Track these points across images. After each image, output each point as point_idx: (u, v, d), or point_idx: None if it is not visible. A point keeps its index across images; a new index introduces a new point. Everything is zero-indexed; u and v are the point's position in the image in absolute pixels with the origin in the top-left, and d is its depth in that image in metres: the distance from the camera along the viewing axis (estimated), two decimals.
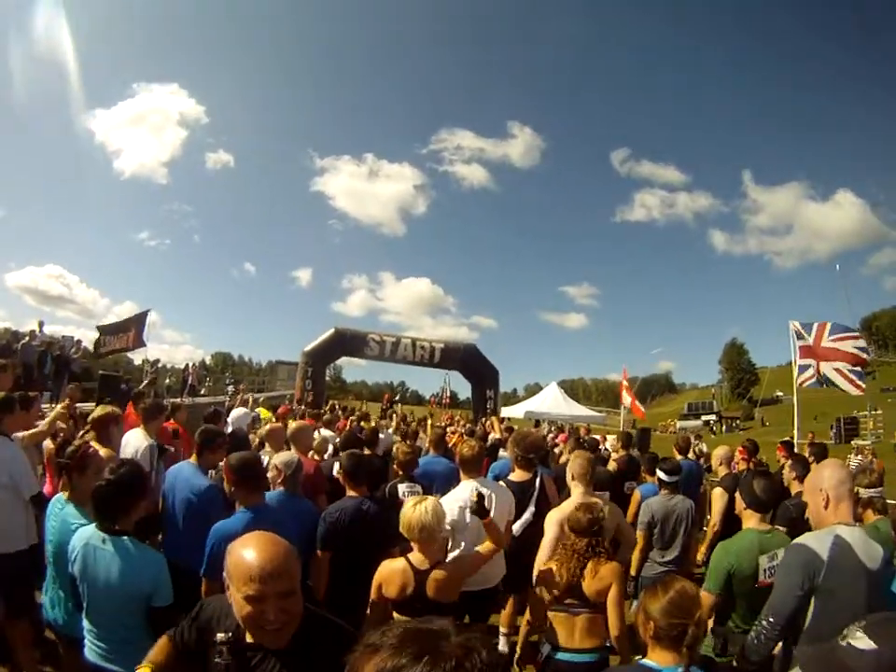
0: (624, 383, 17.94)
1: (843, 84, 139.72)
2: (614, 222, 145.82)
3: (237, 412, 6.37)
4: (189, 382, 24.94)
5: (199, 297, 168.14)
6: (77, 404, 8.40)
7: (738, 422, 58.13)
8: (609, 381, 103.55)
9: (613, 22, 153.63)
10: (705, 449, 12.92)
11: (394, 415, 18.97)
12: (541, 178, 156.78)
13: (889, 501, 4.85)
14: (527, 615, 4.12)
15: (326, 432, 7.89)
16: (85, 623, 2.83)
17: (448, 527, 3.54)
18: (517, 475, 5.06)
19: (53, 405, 8.62)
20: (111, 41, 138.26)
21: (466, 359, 24.96)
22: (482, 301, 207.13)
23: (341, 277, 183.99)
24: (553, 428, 20.77)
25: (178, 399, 17.86)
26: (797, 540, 2.68)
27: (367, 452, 6.13)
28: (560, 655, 3.30)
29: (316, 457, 6.23)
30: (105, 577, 2.71)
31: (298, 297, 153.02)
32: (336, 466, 5.51)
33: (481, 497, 3.51)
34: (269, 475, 3.97)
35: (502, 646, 5.01)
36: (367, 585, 3.25)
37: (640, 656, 2.39)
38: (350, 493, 4.21)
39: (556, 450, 9.79)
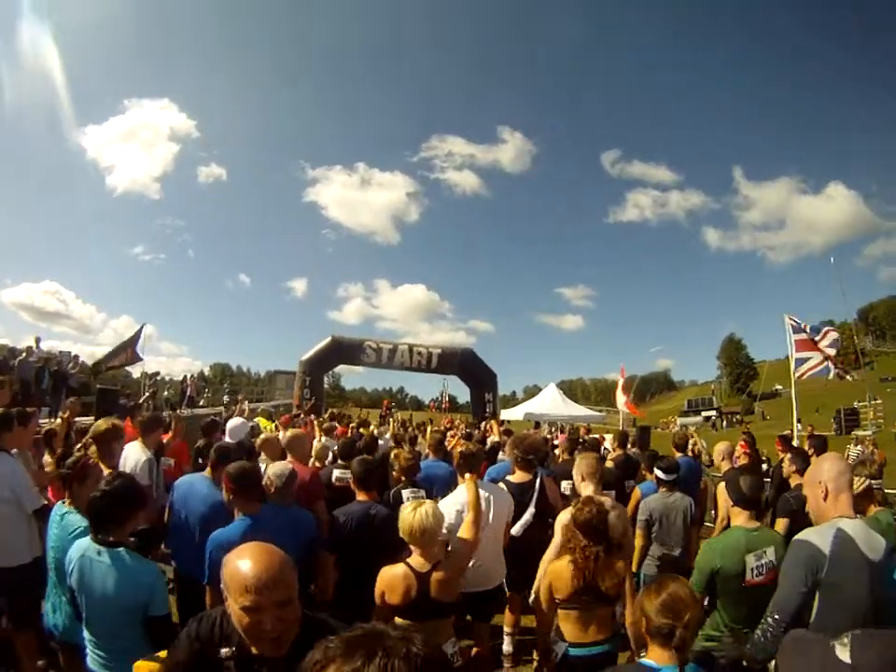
0: (620, 381, 17.91)
1: (831, 79, 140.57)
2: (607, 223, 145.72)
3: (234, 421, 6.37)
4: (188, 393, 24.91)
5: (195, 309, 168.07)
6: (77, 418, 8.39)
7: (739, 417, 58.17)
8: (607, 380, 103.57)
9: (601, 24, 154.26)
10: (702, 445, 12.93)
11: (392, 421, 18.95)
12: (533, 182, 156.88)
13: (888, 491, 4.85)
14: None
15: (326, 440, 7.88)
16: (85, 633, 2.84)
17: (445, 531, 3.54)
18: (517, 476, 5.06)
19: (52, 420, 8.60)
20: (100, 57, 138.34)
21: (463, 364, 24.98)
22: (478, 306, 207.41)
23: (336, 286, 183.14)
24: (552, 429, 20.78)
25: (177, 411, 17.89)
26: (799, 536, 2.66)
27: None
28: (574, 651, 3.30)
29: (317, 464, 6.23)
30: (102, 588, 2.72)
31: (294, 307, 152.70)
32: (335, 473, 5.52)
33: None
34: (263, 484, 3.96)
35: (507, 646, 5.00)
36: (373, 587, 3.26)
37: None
38: (359, 497, 4.29)
39: (556, 451, 9.78)
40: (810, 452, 6.29)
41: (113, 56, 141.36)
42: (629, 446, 9.52)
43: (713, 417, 57.77)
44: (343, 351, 24.01)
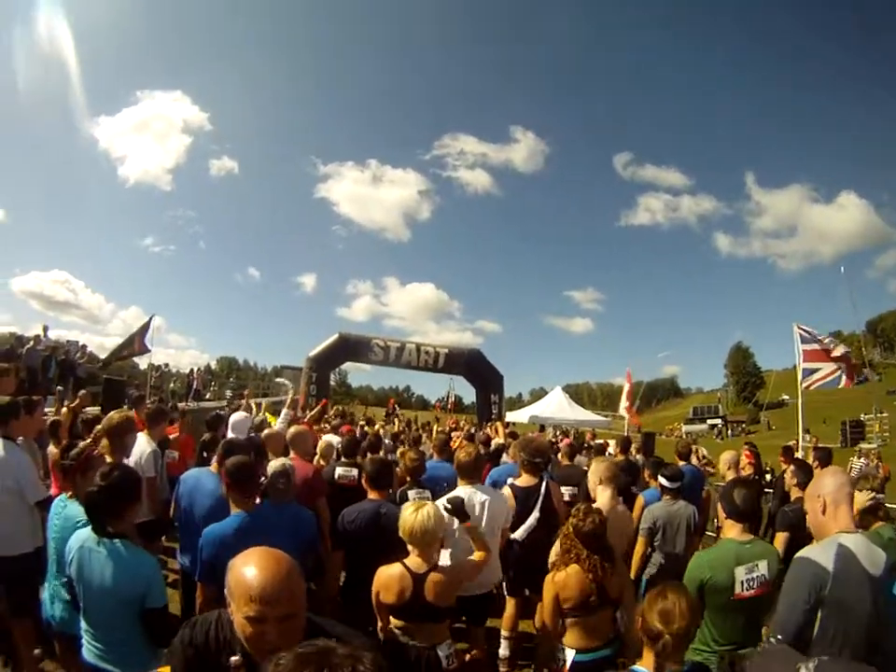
0: (626, 386, 17.78)
1: (844, 85, 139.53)
2: (618, 226, 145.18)
3: (237, 416, 6.37)
4: (194, 386, 25.03)
5: (204, 302, 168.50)
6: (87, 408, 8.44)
7: (744, 426, 58.00)
8: (614, 385, 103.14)
9: (615, 26, 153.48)
10: (705, 453, 12.87)
11: (397, 421, 18.96)
12: (545, 183, 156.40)
13: (890, 506, 4.80)
14: (537, 622, 4.11)
15: (332, 437, 7.89)
16: (82, 624, 2.85)
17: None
18: (523, 480, 5.05)
19: (58, 409, 8.63)
20: (114, 49, 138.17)
21: (470, 364, 24.97)
22: (486, 306, 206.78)
23: (345, 282, 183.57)
24: (557, 433, 20.73)
25: (183, 404, 17.96)
26: (800, 554, 2.63)
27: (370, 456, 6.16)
28: (579, 657, 3.31)
29: (322, 462, 6.24)
30: (100, 579, 2.73)
31: (302, 302, 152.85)
32: (338, 470, 5.53)
33: (454, 501, 3.63)
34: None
35: (504, 650, 4.99)
36: None
37: None
38: (371, 496, 4.30)
39: (558, 455, 9.78)
40: (815, 464, 6.26)
41: (126, 48, 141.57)
42: (634, 452, 9.51)
43: (718, 426, 57.66)
44: (351, 348, 24.02)
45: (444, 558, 3.59)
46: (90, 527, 2.86)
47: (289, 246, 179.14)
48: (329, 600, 4.13)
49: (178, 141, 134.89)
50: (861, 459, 15.54)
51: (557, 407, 22.02)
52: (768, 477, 10.52)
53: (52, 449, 5.55)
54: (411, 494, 4.81)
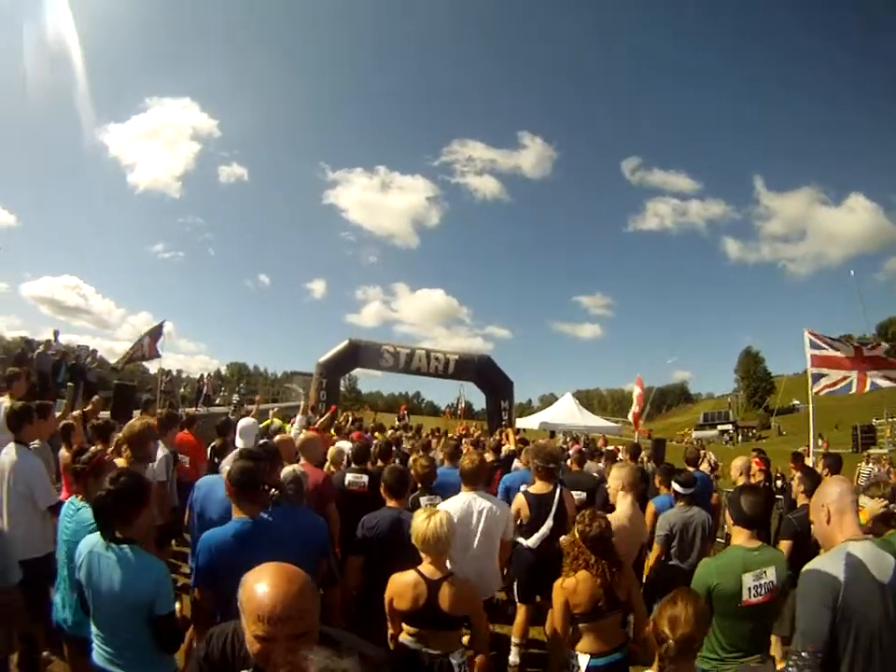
0: (638, 391, 17.49)
1: (852, 87, 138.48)
2: (627, 232, 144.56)
3: (245, 421, 6.39)
4: (204, 392, 25.12)
5: (214, 307, 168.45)
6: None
7: (755, 431, 57.71)
8: (624, 391, 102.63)
9: (621, 31, 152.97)
10: (713, 458, 12.81)
11: (403, 426, 19.03)
12: (553, 189, 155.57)
13: None
14: (548, 629, 4.11)
15: (343, 443, 7.91)
16: (92, 628, 2.86)
17: None
18: (537, 487, 5.05)
19: (68, 413, 8.69)
20: (123, 56, 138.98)
21: (480, 370, 24.90)
22: (496, 312, 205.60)
23: (355, 289, 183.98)
24: (567, 439, 20.69)
25: (193, 409, 18.04)
26: (810, 566, 2.60)
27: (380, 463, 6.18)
28: (594, 662, 3.32)
29: (332, 468, 6.26)
30: (108, 584, 2.74)
31: (312, 308, 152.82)
32: (348, 477, 5.54)
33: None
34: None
35: (514, 657, 4.99)
36: None
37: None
38: (389, 504, 4.30)
39: (568, 461, 9.78)
40: (825, 472, 6.22)
41: (135, 55, 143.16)
42: (645, 459, 9.50)
43: (729, 431, 57.40)
44: (361, 354, 23.98)
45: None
46: (98, 532, 2.88)
47: (299, 253, 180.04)
48: (342, 605, 4.13)
49: (187, 148, 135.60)
50: (869, 465, 15.43)
51: (567, 413, 22.02)
52: (779, 483, 10.44)
53: (64, 452, 5.58)
54: (422, 500, 4.82)
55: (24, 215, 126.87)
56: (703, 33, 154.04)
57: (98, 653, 2.82)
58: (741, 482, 6.51)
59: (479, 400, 33.96)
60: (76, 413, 8.22)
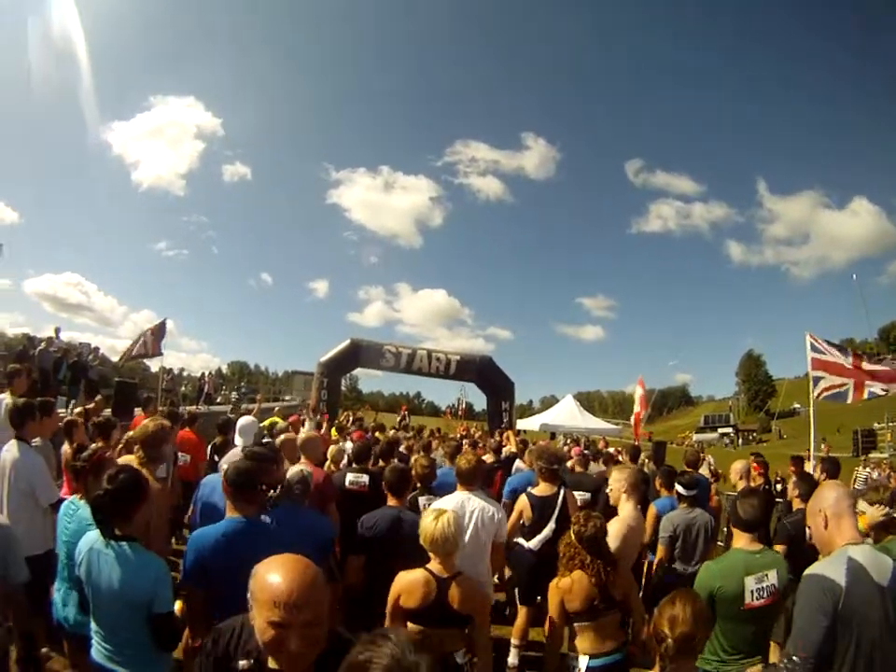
0: (640, 392, 17.36)
1: (855, 89, 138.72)
2: (630, 234, 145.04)
3: (244, 420, 6.38)
4: (206, 390, 25.16)
5: (216, 306, 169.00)
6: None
7: (755, 434, 57.69)
8: (625, 393, 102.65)
9: (622, 30, 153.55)
10: (712, 462, 12.81)
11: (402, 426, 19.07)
12: (556, 190, 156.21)
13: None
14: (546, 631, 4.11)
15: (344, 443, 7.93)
16: (92, 625, 2.87)
17: None
18: (541, 489, 5.07)
19: (67, 411, 8.71)
20: (127, 55, 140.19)
21: (481, 371, 24.87)
22: (498, 313, 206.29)
23: (357, 288, 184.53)
24: (568, 441, 20.68)
25: (194, 407, 18.05)
26: (810, 571, 2.59)
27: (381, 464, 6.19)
28: (593, 663, 3.32)
29: (333, 467, 6.26)
30: (108, 582, 2.74)
31: (314, 307, 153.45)
32: (349, 476, 5.55)
33: None
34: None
35: (513, 658, 4.99)
36: None
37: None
38: (390, 503, 4.33)
39: (568, 463, 9.78)
40: (822, 476, 6.22)
41: (139, 54, 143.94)
42: (647, 461, 9.50)
43: (730, 434, 57.38)
44: (362, 354, 23.97)
45: None
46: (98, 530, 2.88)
47: (301, 252, 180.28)
48: (342, 603, 4.14)
49: (191, 146, 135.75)
50: (866, 469, 15.42)
51: (568, 415, 22.03)
52: (779, 487, 10.44)
53: (67, 449, 5.58)
54: (421, 500, 4.82)
55: (27, 212, 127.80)
56: (703, 33, 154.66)
57: (97, 650, 2.82)
58: (741, 485, 6.50)
59: (479, 401, 34.01)
60: (78, 410, 8.22)
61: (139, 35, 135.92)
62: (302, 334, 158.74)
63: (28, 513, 4.10)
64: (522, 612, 5.08)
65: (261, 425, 7.98)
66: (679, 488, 5.26)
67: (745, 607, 3.26)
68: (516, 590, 5.08)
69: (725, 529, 7.21)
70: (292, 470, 4.10)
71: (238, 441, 6.01)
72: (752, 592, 3.26)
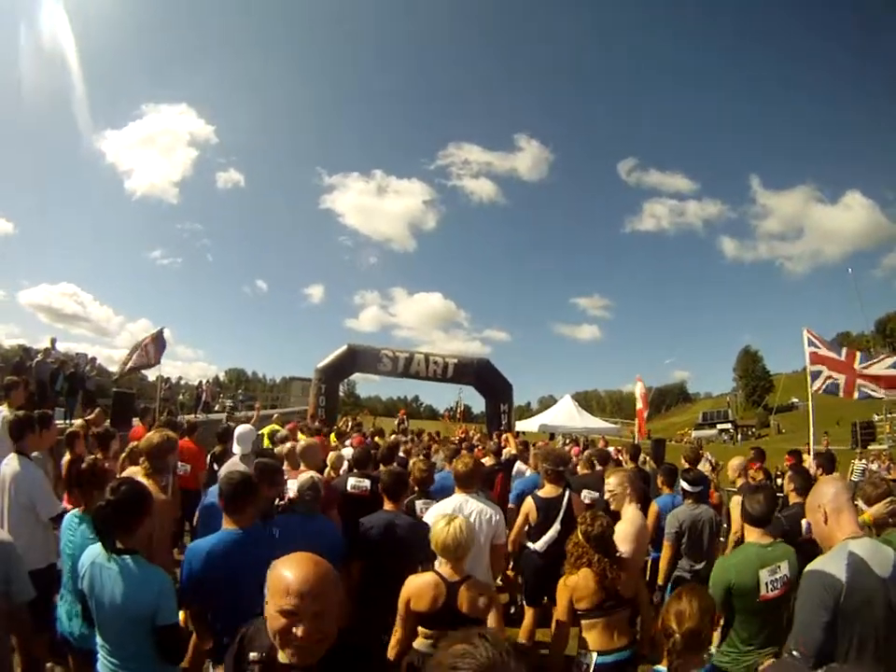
0: (640, 390, 17.27)
1: (847, 85, 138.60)
2: (624, 233, 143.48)
3: (242, 428, 6.35)
4: (203, 398, 25.14)
5: (212, 314, 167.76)
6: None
7: (754, 430, 57.78)
8: (623, 392, 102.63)
9: (617, 31, 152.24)
10: (712, 459, 12.84)
11: (400, 430, 19.07)
12: (550, 191, 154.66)
13: None
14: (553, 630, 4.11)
15: (344, 449, 7.91)
16: (97, 639, 2.85)
17: None
18: (546, 490, 5.09)
19: (66, 422, 8.68)
20: (119, 63, 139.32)
21: (479, 374, 24.87)
22: (494, 315, 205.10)
23: (352, 293, 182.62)
24: (567, 441, 20.68)
25: (192, 416, 18.02)
26: (812, 566, 2.61)
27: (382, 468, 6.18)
28: (601, 659, 3.33)
29: (332, 474, 6.26)
30: (111, 596, 2.72)
31: (310, 313, 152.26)
32: (351, 481, 5.55)
33: None
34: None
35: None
36: (393, 594, 3.29)
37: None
38: (386, 507, 4.34)
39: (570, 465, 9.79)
40: (818, 471, 6.23)
41: (131, 62, 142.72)
42: (648, 459, 9.51)
43: (728, 430, 57.45)
44: (360, 359, 23.97)
45: None
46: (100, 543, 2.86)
47: (296, 258, 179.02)
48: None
49: (184, 154, 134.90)
50: (863, 461, 15.45)
51: (567, 415, 21.99)
52: (780, 481, 10.45)
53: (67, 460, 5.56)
54: (418, 504, 4.83)
55: (21, 222, 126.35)
56: (703, 33, 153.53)
57: (103, 664, 2.80)
58: (739, 482, 6.53)
59: (477, 404, 34.02)
60: (78, 422, 8.20)
61: (130, 42, 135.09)
62: (299, 340, 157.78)
63: (29, 528, 4.07)
64: (528, 613, 5.09)
65: (260, 432, 7.99)
66: (684, 485, 5.29)
67: (760, 598, 3.31)
68: (522, 591, 5.07)
69: (726, 526, 7.23)
70: (302, 478, 4.10)
71: (236, 449, 6.00)
72: (767, 584, 3.32)
